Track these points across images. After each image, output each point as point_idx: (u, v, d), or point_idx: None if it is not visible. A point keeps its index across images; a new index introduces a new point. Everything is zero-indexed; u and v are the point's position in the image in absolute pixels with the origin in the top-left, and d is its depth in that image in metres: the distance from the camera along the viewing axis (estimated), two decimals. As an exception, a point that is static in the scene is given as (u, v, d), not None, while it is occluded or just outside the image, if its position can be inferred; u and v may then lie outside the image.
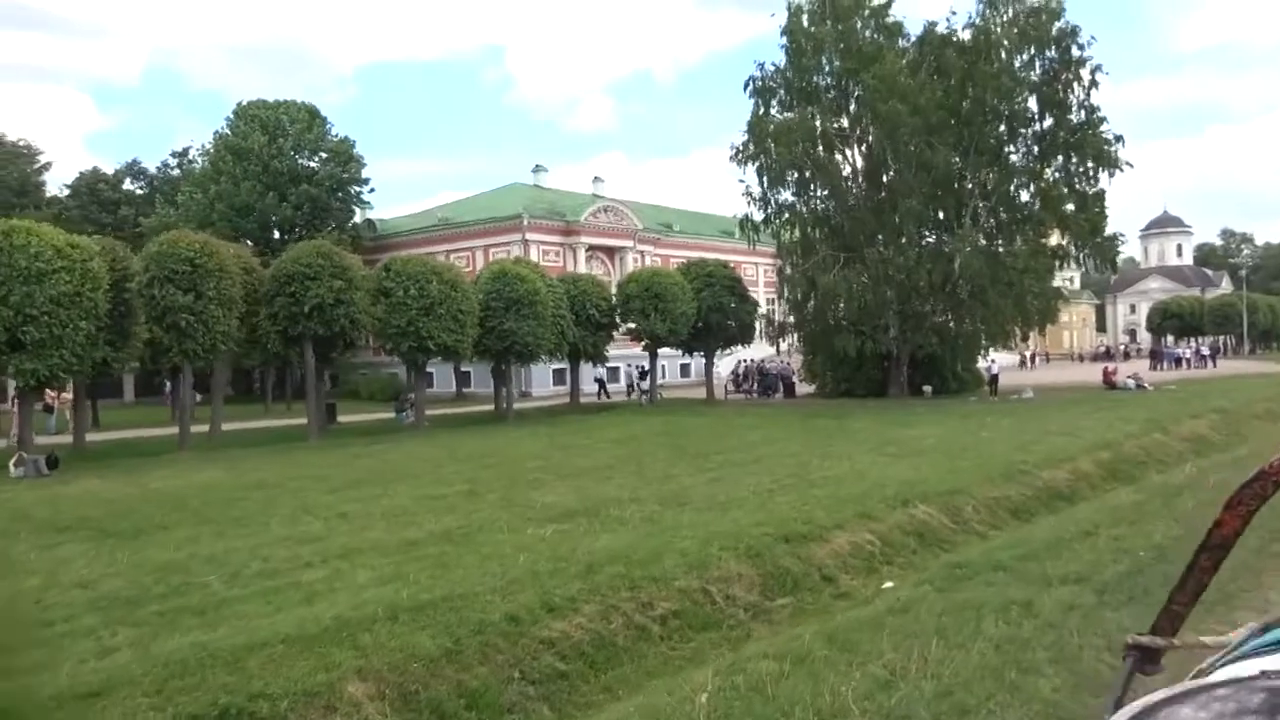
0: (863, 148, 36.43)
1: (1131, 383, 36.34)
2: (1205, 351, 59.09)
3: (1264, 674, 0.96)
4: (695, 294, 36.39)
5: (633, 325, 35.02)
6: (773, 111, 37.00)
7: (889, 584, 10.60)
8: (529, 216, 48.93)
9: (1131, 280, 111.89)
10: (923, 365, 36.91)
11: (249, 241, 46.09)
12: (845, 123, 35.78)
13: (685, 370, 54.95)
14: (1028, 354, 59.85)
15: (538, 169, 61.65)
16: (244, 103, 52.95)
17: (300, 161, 52.15)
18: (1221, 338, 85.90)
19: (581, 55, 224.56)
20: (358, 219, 55.49)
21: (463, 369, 46.20)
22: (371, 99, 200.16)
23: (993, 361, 36.61)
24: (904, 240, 33.10)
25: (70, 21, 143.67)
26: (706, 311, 36.52)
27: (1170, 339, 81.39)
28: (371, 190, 55.81)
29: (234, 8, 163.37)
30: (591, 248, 51.62)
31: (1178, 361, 56.91)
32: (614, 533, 11.70)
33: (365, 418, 32.69)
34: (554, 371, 46.63)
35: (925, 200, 32.89)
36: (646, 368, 37.34)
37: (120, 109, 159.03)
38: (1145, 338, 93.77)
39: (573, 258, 50.46)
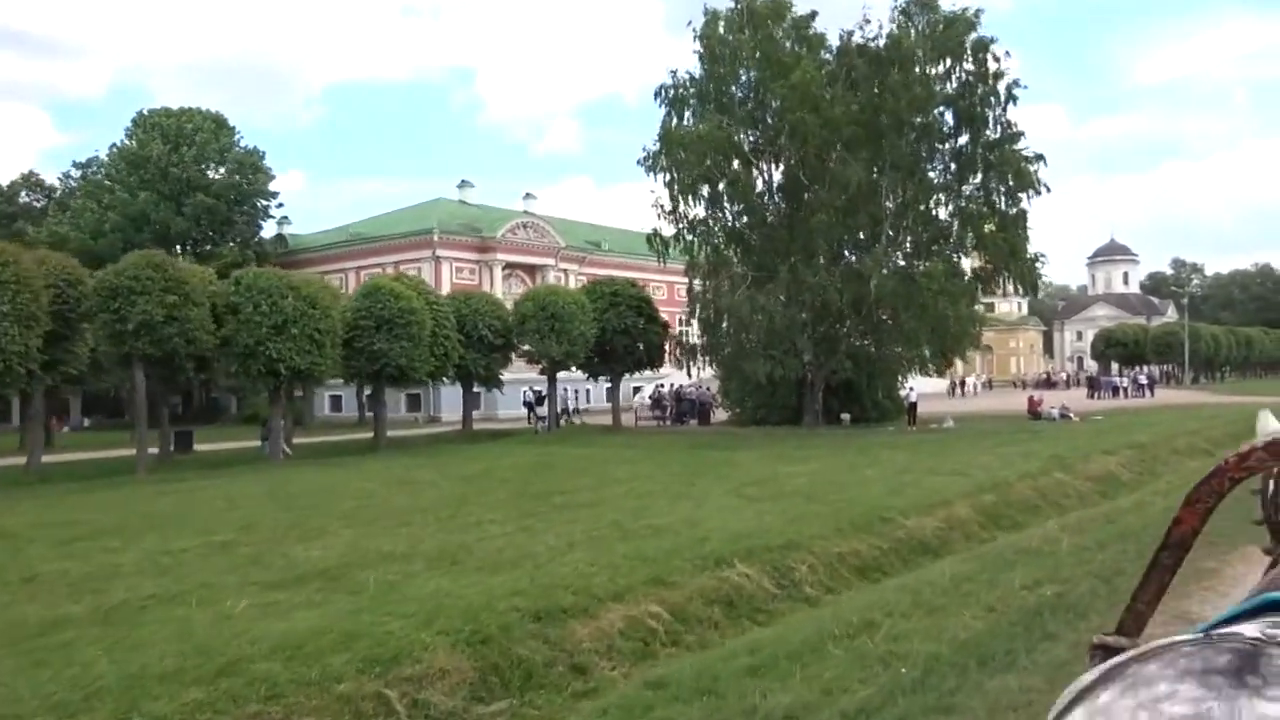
0: (780, 163, 34.57)
1: (1055, 413, 34.67)
2: (1143, 380, 57.91)
3: (1212, 636, 0.95)
4: (599, 314, 34.21)
5: (528, 348, 32.69)
6: (686, 121, 35.05)
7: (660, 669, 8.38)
8: (440, 232, 46.56)
9: (1079, 307, 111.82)
10: (841, 392, 34.93)
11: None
12: (759, 136, 33.81)
13: (610, 395, 52.71)
14: (958, 380, 58.18)
15: (463, 184, 59.36)
16: (145, 111, 50.22)
17: (204, 172, 49.39)
18: (1165, 366, 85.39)
19: (551, 78, 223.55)
20: (267, 233, 52.79)
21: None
22: (341, 119, 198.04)
23: (910, 389, 34.70)
24: (817, 259, 31.13)
25: (38, 39, 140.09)
26: (611, 334, 34.34)
27: (1115, 367, 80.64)
28: (279, 204, 52.84)
29: (201, 27, 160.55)
30: (510, 266, 49.36)
31: (1115, 390, 55.65)
32: (328, 606, 9.35)
33: (230, 446, 29.98)
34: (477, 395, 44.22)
35: (839, 217, 31.02)
36: (544, 392, 34.96)
37: (80, 127, 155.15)
38: (1092, 365, 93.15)
39: (489, 276, 48.14)
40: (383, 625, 8.46)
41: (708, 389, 41.59)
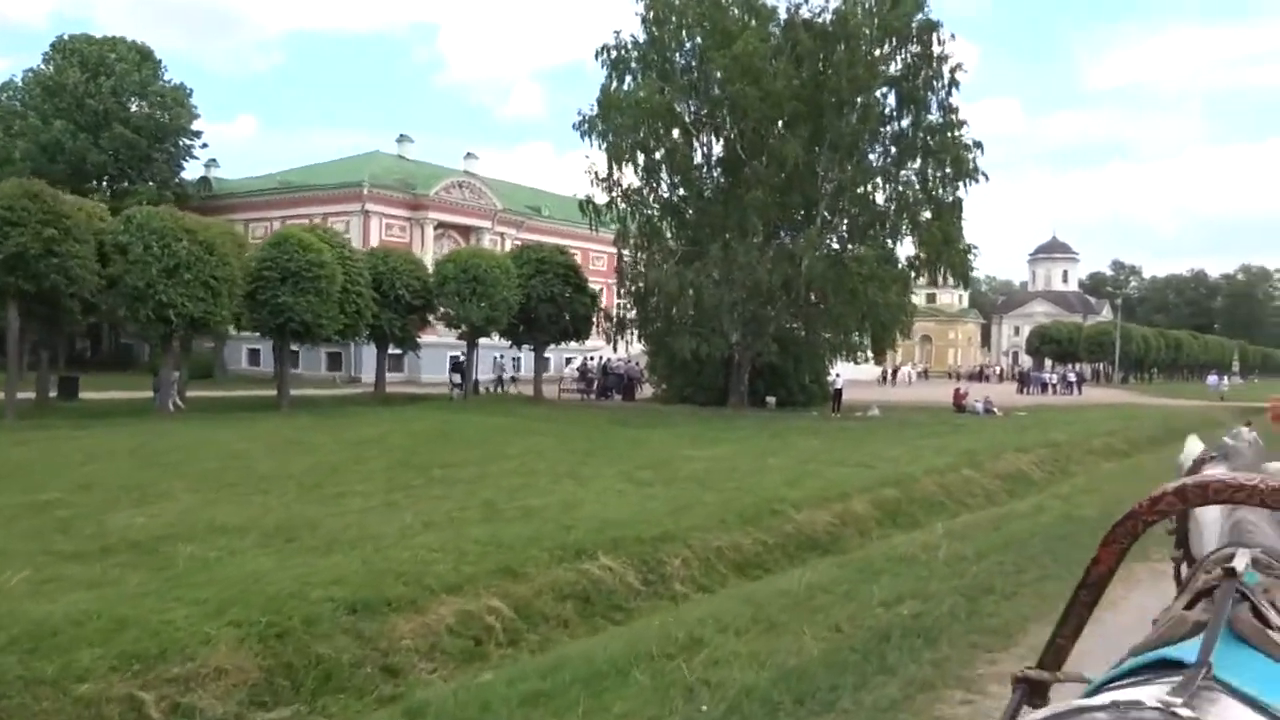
0: (720, 136, 33.61)
1: (980, 406, 34.44)
2: (1071, 378, 58.41)
3: (1116, 704, 1.00)
4: (524, 281, 33.05)
5: (448, 310, 31.44)
6: (627, 86, 33.85)
7: (489, 675, 7.48)
8: (370, 185, 44.83)
9: (1018, 303, 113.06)
10: (768, 374, 34.24)
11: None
12: (699, 106, 32.76)
13: (543, 365, 51.51)
14: (890, 369, 58.15)
15: (402, 139, 57.37)
16: (65, 36, 47.48)
17: (125, 104, 46.88)
18: (1097, 365, 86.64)
19: (515, 40, 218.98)
20: (191, 174, 50.50)
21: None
22: (298, 67, 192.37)
23: (837, 375, 34.16)
24: (750, 238, 30.29)
25: None
26: (536, 301, 33.22)
27: (1049, 363, 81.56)
28: (204, 144, 50.50)
29: None
30: (442, 225, 47.82)
31: (1044, 387, 56.02)
32: (116, 585, 8.27)
33: (122, 396, 28.32)
34: (392, 356, 42.75)
35: (775, 195, 30.19)
36: (461, 358, 33.76)
37: (15, 53, 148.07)
38: (1027, 361, 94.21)
39: (420, 235, 46.58)
40: (165, 613, 7.42)
41: (636, 364, 40.73)
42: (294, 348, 45.49)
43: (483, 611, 8.76)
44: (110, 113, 45.42)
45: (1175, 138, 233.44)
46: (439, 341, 37.60)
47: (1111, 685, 1.19)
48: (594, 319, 35.52)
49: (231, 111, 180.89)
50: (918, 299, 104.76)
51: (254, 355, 47.52)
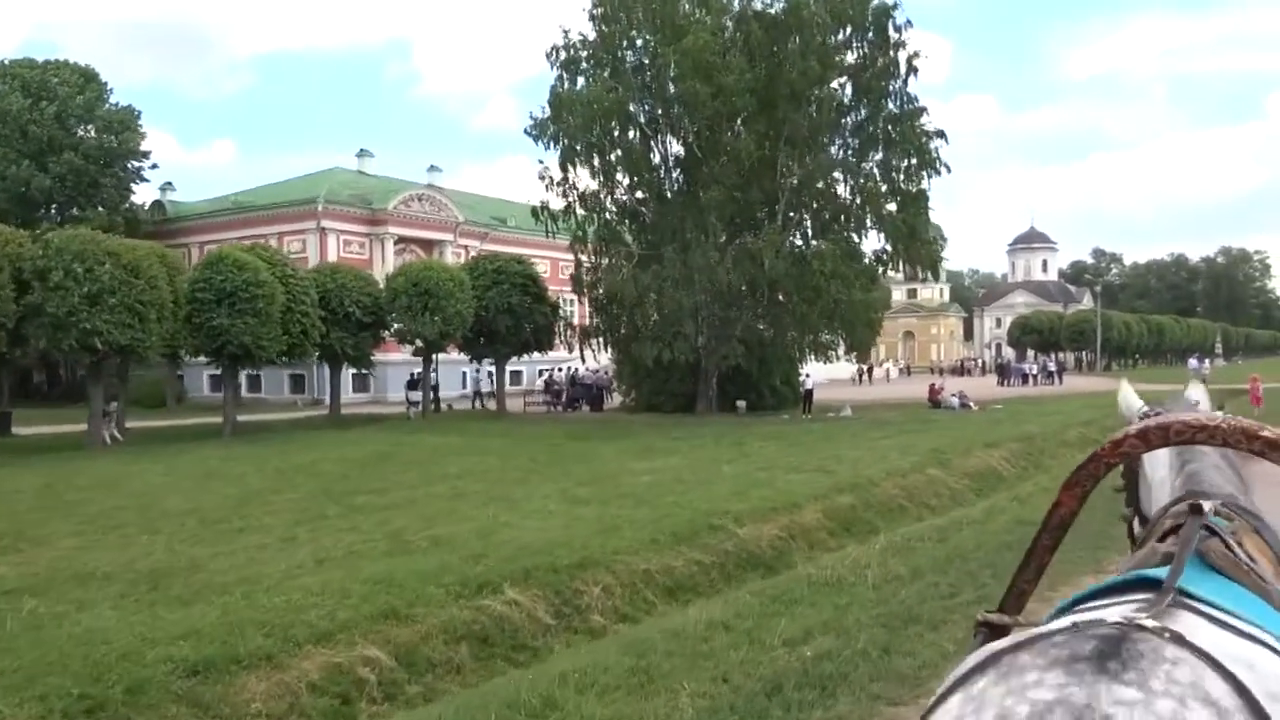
0: (676, 135, 32.65)
1: (955, 401, 33.54)
2: (1051, 368, 57.63)
3: (1077, 625, 1.01)
4: (481, 293, 32.00)
5: (400, 326, 30.35)
6: (579, 86, 32.87)
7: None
8: (325, 202, 43.70)
9: (999, 294, 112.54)
10: (737, 379, 33.24)
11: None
12: (653, 104, 31.80)
13: (517, 378, 50.36)
14: (865, 367, 57.25)
15: (362, 153, 56.34)
16: (5, 61, 46.20)
17: (70, 130, 45.58)
18: (1079, 354, 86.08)
19: (491, 52, 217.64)
20: (141, 199, 49.24)
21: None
22: (270, 87, 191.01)
23: (806, 376, 33.17)
24: (709, 239, 29.30)
25: None
26: (494, 313, 32.16)
27: (1031, 354, 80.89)
28: (154, 166, 49.30)
29: None
30: (403, 240, 46.66)
31: (1025, 378, 55.23)
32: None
33: (61, 430, 27.05)
34: (358, 376, 41.53)
35: (733, 193, 29.23)
36: (415, 375, 32.64)
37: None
38: (1010, 352, 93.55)
39: (380, 250, 45.45)
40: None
41: (606, 374, 39.70)
42: (252, 371, 44.81)
43: (355, 663, 7.72)
44: (54, 139, 44.13)
45: (1151, 125, 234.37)
46: (403, 359, 36.49)
47: (1078, 608, 1.19)
48: (555, 329, 34.49)
49: (207, 136, 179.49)
50: (898, 295, 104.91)
51: (215, 381, 46.22)
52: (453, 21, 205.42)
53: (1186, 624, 1.03)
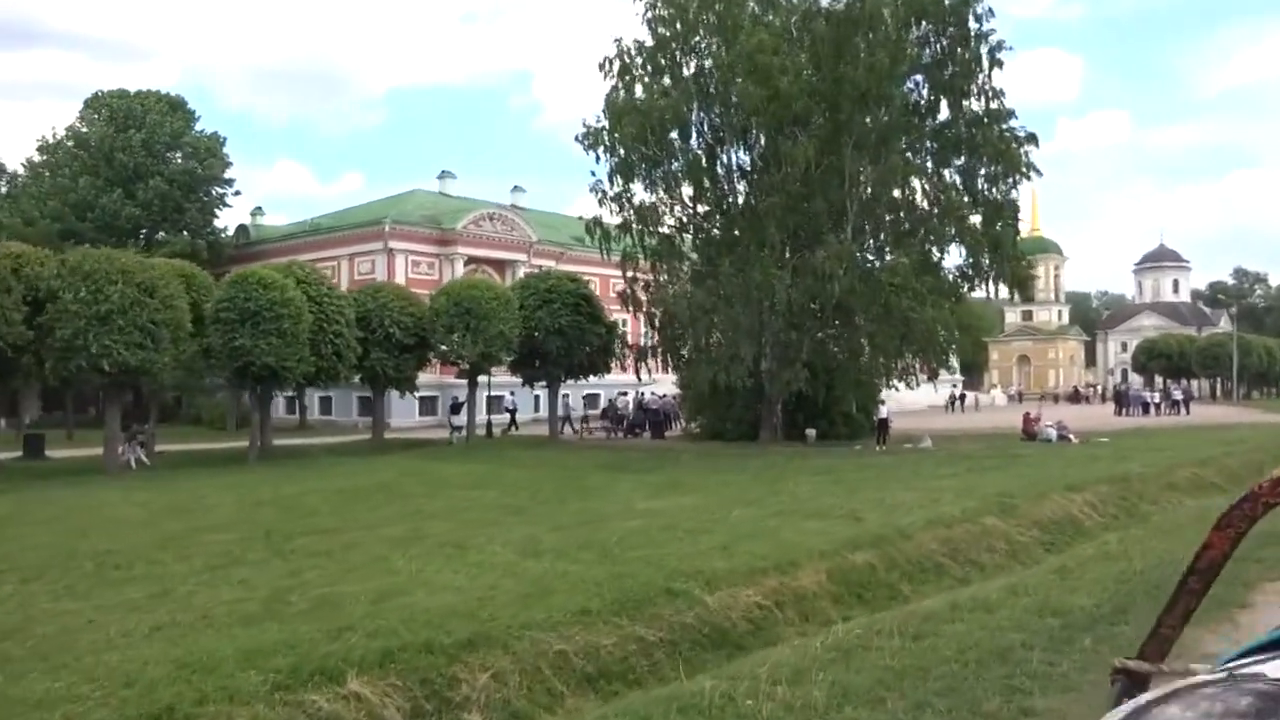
0: (738, 143, 30.41)
1: (1053, 433, 29.98)
2: (1177, 395, 52.30)
3: (1234, 676, 0.95)
4: (530, 312, 30.40)
5: (444, 348, 28.96)
6: (637, 95, 31.02)
7: None
8: (392, 223, 43.10)
9: (1124, 316, 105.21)
10: (806, 405, 30.56)
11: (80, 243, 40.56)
12: (711, 110, 29.65)
13: (593, 402, 48.70)
14: (958, 393, 53.12)
15: (444, 175, 56.01)
16: (100, 92, 47.55)
17: (158, 157, 46.48)
18: (1213, 381, 79.09)
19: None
20: (225, 223, 49.89)
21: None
22: (400, 122, 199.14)
23: (881, 403, 30.19)
24: (767, 253, 26.90)
25: (107, 42, 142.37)
26: (544, 333, 30.50)
27: (1159, 380, 74.67)
28: (237, 193, 49.93)
29: (264, 30, 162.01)
30: (473, 260, 45.72)
31: (1146, 407, 50.22)
32: None
33: (89, 454, 26.54)
34: (424, 400, 40.65)
35: (792, 203, 26.80)
36: (461, 399, 31.13)
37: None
38: (1136, 379, 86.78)
39: (450, 271, 44.57)
40: None
41: (673, 399, 37.57)
42: (324, 393, 44.45)
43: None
44: (140, 167, 45.00)
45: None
46: (454, 383, 35.25)
47: (1240, 661, 1.12)
48: (614, 351, 32.58)
49: (340, 169, 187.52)
50: (1012, 316, 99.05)
51: (290, 403, 46.10)
52: (569, 52, 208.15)
53: None
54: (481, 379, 31.32)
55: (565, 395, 39.81)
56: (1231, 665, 1.07)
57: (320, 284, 26.74)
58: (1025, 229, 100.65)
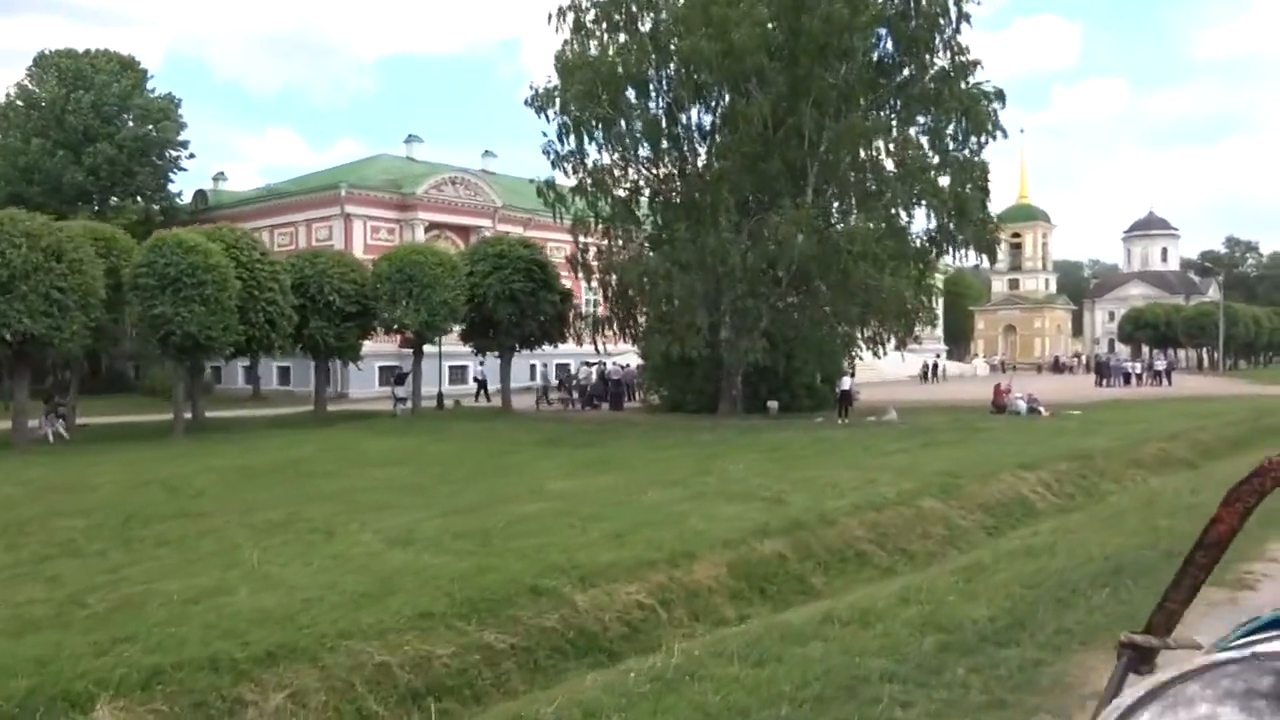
0: (698, 100, 28.95)
1: (1022, 405, 28.88)
2: (1159, 366, 51.24)
3: (1258, 655, 0.92)
4: (480, 279, 29.11)
5: (386, 316, 27.69)
6: (591, 51, 29.54)
7: None
8: (349, 187, 41.62)
9: (1112, 285, 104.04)
10: (770, 377, 29.37)
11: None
12: (664, 66, 28.18)
13: (567, 373, 47.44)
14: (932, 364, 51.94)
15: (410, 139, 54.37)
16: (47, 51, 45.72)
17: (108, 119, 44.79)
18: (1200, 350, 78.08)
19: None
20: (183, 188, 48.32)
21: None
22: (391, 89, 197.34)
23: (847, 374, 28.97)
24: (720, 216, 25.57)
25: (97, 10, 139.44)
26: (495, 301, 29.23)
27: (1146, 350, 73.65)
28: (191, 155, 48.31)
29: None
30: (435, 225, 44.29)
31: (1127, 377, 49.18)
32: None
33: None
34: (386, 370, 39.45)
35: (748, 166, 25.46)
36: (405, 369, 29.92)
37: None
38: (1123, 349, 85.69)
39: (411, 237, 43.15)
40: None
41: (636, 370, 36.38)
42: (284, 364, 43.20)
43: None
44: (91, 129, 43.33)
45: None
46: (431, 352, 34.07)
47: (1254, 637, 1.10)
48: (569, 320, 31.35)
49: (332, 136, 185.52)
50: (999, 285, 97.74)
51: (248, 374, 44.86)
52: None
53: None
54: (431, 349, 30.12)
55: (544, 366, 38.75)
56: (1248, 641, 1.04)
57: (252, 249, 25.37)
58: (1013, 196, 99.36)
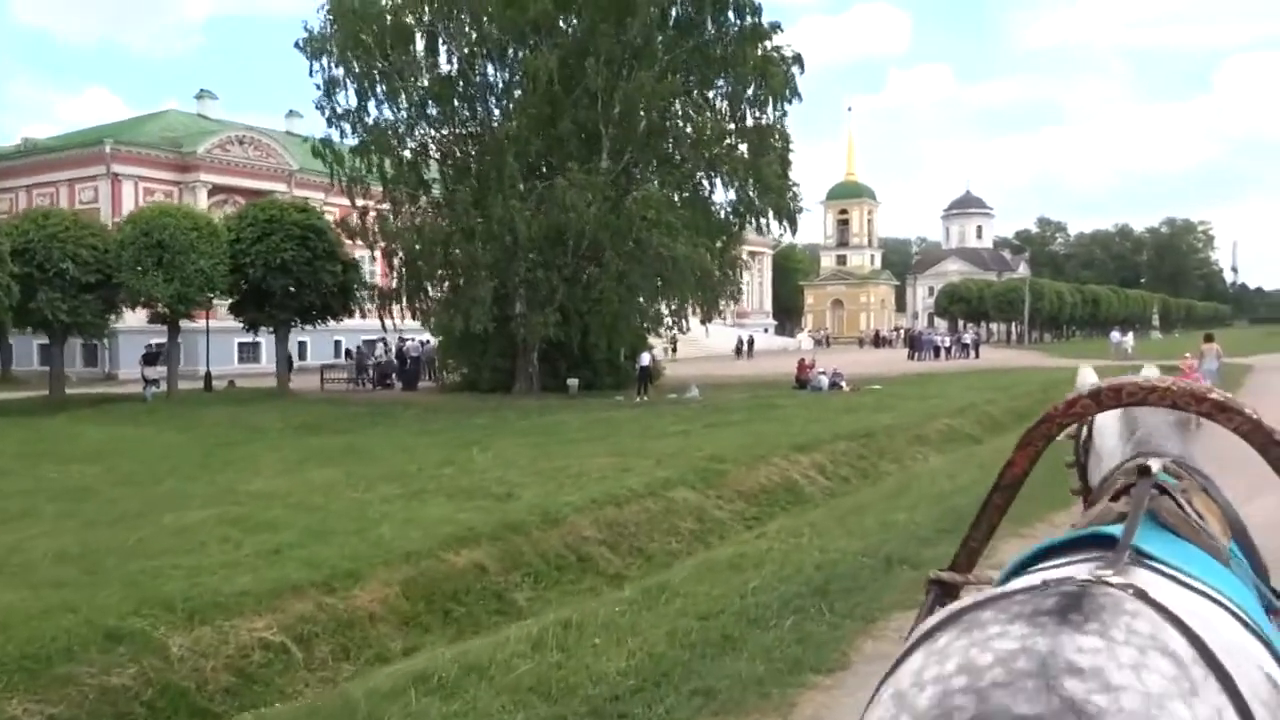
0: (476, 53, 26.79)
1: (824, 381, 28.45)
2: (967, 339, 52.96)
3: (1046, 582, 1.02)
4: (247, 246, 26.18)
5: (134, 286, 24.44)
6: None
7: None
8: (115, 144, 37.33)
9: (932, 261, 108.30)
10: (568, 353, 27.78)
11: None
12: (448, 18, 25.95)
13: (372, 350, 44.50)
14: (746, 340, 52.01)
15: (202, 94, 49.72)
16: None
17: None
18: (1009, 324, 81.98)
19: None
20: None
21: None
22: (219, 51, 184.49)
23: (648, 350, 27.76)
24: (505, 180, 23.68)
25: None
26: (266, 271, 26.36)
27: (962, 324, 76.58)
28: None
29: None
30: (220, 189, 40.44)
31: (937, 350, 50.50)
32: None
33: None
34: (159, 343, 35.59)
35: (536, 127, 23.65)
36: (156, 347, 26.77)
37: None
38: (941, 323, 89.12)
39: (192, 201, 39.20)
40: None
41: (435, 347, 34.15)
42: (43, 341, 38.52)
43: None
44: None
45: (1103, 98, 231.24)
46: (221, 327, 30.94)
47: (1035, 566, 1.21)
48: (352, 293, 28.78)
49: (157, 97, 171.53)
50: (827, 261, 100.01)
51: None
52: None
53: (1143, 580, 1.04)
54: (196, 325, 27.02)
55: (363, 343, 35.77)
56: (1032, 566, 1.17)
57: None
58: (841, 174, 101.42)
